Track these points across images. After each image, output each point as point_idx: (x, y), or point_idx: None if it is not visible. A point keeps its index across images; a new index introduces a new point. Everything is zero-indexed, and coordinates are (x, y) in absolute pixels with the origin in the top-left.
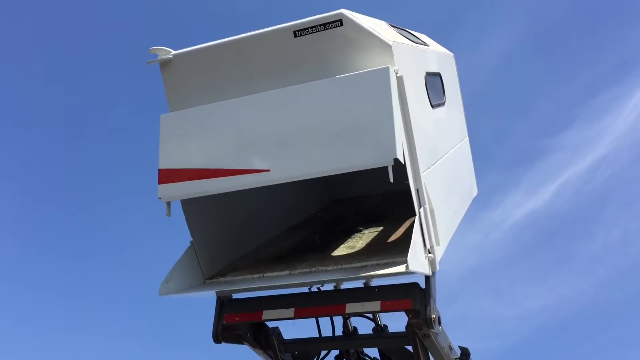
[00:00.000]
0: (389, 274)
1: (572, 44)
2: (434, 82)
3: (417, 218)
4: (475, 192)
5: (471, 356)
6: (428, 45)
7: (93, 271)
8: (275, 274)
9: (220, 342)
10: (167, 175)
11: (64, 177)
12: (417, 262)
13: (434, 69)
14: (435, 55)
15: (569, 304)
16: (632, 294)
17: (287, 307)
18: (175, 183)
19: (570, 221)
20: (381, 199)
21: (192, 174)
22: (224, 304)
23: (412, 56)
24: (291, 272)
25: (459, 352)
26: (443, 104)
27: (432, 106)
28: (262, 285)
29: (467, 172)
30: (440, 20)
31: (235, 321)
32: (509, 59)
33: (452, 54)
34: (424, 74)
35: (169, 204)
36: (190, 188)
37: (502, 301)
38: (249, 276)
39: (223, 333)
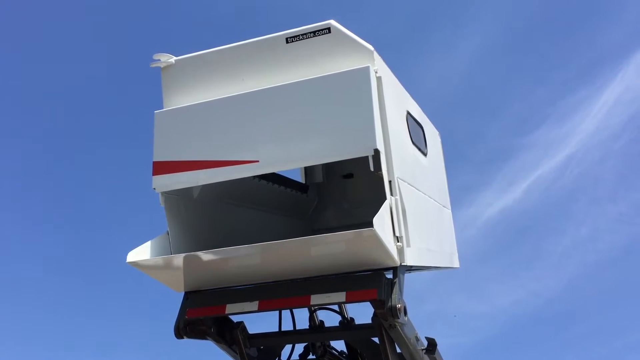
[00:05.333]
0: (352, 233)
1: (543, 47)
2: (415, 127)
3: (387, 201)
4: (456, 264)
5: (443, 351)
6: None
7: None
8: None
9: (183, 338)
10: (161, 167)
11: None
12: (383, 231)
13: (416, 115)
14: (418, 108)
15: (539, 299)
16: (600, 289)
17: (251, 300)
18: (168, 174)
19: (541, 218)
20: None
21: (184, 166)
22: (188, 298)
23: (395, 84)
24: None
25: (425, 343)
26: (425, 153)
27: (413, 142)
28: (233, 254)
29: (448, 238)
30: (415, 24)
31: (198, 316)
32: (481, 60)
33: (438, 132)
34: (405, 110)
35: (163, 194)
36: (183, 179)
37: (474, 297)
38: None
39: (185, 328)
